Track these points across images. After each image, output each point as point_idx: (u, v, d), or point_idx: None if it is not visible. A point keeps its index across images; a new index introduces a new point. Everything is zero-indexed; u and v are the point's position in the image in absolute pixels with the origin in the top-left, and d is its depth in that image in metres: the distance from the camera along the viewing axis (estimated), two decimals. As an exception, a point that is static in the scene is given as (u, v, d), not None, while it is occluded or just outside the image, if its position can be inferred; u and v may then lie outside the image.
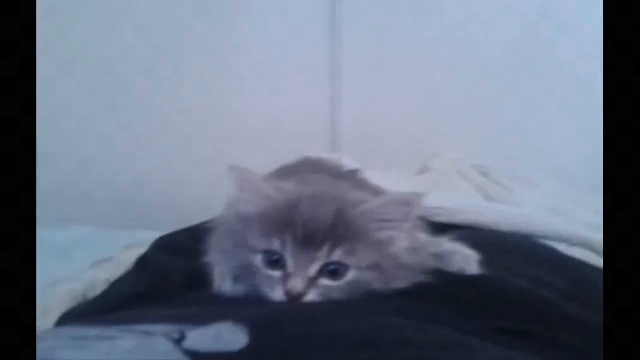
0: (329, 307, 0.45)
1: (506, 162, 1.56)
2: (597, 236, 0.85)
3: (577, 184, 1.34)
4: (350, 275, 0.50)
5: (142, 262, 0.70)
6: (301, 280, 0.48)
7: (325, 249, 0.49)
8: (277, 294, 0.49)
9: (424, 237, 0.60)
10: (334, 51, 1.51)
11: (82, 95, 1.53)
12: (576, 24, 1.50)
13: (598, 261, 0.76)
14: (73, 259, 1.04)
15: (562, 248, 0.79)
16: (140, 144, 1.55)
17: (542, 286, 0.54)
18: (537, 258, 0.68)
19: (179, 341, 0.37)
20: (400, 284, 0.51)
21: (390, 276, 0.51)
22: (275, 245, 0.50)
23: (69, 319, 0.59)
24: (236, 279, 0.54)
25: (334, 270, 0.49)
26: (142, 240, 0.95)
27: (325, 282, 0.49)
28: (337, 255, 0.49)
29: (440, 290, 0.51)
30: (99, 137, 1.55)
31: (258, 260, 0.51)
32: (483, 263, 0.57)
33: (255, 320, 0.40)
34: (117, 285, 0.67)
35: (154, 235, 0.81)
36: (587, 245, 0.84)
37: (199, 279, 0.57)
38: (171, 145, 1.55)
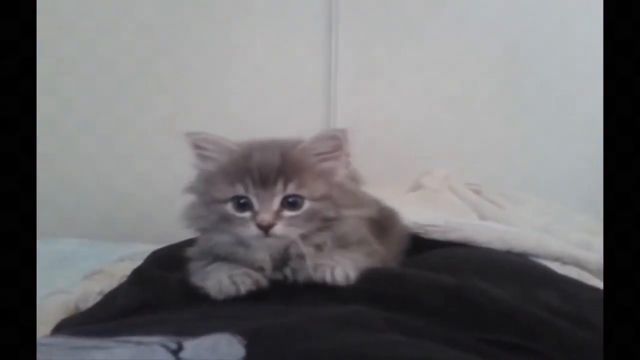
0: (324, 321, 0.46)
1: (503, 165, 1.58)
2: (589, 254, 0.86)
3: (562, 201, 1.34)
4: (306, 205, 0.59)
5: (137, 275, 0.70)
6: (268, 214, 0.57)
7: (280, 184, 0.58)
8: (251, 230, 0.57)
9: None
10: (331, 52, 1.51)
11: (82, 95, 1.53)
12: (576, 24, 1.51)
13: (590, 279, 0.77)
14: (65, 270, 1.04)
15: (555, 266, 0.80)
16: (140, 144, 1.55)
17: (535, 303, 0.55)
18: (530, 276, 0.69)
19: (176, 351, 0.37)
20: (350, 212, 0.61)
21: (339, 205, 0.60)
22: (240, 190, 0.58)
23: (63, 329, 0.59)
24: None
25: (292, 202, 0.58)
26: (134, 253, 0.95)
27: (287, 213, 0.58)
28: (291, 189, 0.58)
29: (432, 303, 0.53)
30: (99, 137, 1.55)
31: (229, 207, 0.59)
32: (481, 279, 0.60)
33: (252, 332, 0.41)
34: (111, 297, 0.67)
35: (146, 248, 0.81)
36: (579, 264, 0.85)
37: (195, 292, 0.58)
38: (171, 146, 1.55)
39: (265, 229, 0.56)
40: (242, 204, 0.58)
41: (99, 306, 0.66)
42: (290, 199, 0.58)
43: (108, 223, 1.56)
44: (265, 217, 0.56)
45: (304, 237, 0.59)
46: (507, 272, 0.68)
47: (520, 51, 1.53)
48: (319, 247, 0.60)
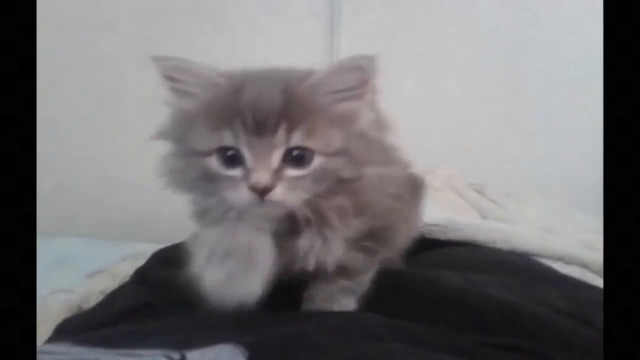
0: (326, 331, 0.45)
1: (503, 165, 1.57)
2: (592, 254, 0.86)
3: (563, 200, 1.34)
4: (317, 161, 0.44)
5: (140, 275, 0.69)
6: (265, 172, 0.43)
7: (282, 132, 0.43)
8: (242, 195, 0.43)
9: None
10: (332, 52, 1.51)
11: (82, 96, 1.53)
12: (576, 24, 1.51)
13: (593, 279, 0.77)
14: (68, 270, 1.04)
15: (558, 266, 0.80)
16: (141, 144, 1.55)
17: (537, 302, 0.55)
18: (533, 276, 0.69)
19: None
20: (374, 170, 0.47)
21: (361, 161, 0.46)
22: (227, 139, 0.44)
23: (65, 330, 0.59)
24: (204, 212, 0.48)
25: (298, 157, 0.44)
26: (137, 253, 0.95)
27: (290, 172, 0.44)
28: (297, 139, 0.43)
29: (434, 307, 0.52)
30: (99, 137, 1.55)
31: (213, 162, 0.45)
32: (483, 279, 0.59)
33: (255, 344, 0.40)
34: (114, 297, 0.67)
35: (149, 248, 0.81)
36: (582, 264, 0.85)
37: (198, 293, 0.57)
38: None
39: (261, 192, 0.43)
40: (231, 158, 0.44)
41: (101, 306, 0.65)
42: (295, 153, 0.44)
43: (108, 222, 1.56)
44: (262, 177, 0.42)
45: (310, 203, 0.45)
46: (509, 272, 0.68)
47: (520, 51, 1.53)
48: (334, 215, 0.46)
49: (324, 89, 0.45)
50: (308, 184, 0.44)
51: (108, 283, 0.80)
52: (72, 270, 1.01)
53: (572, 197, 1.49)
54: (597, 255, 0.86)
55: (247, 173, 0.44)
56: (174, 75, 0.47)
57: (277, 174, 0.44)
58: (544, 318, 0.50)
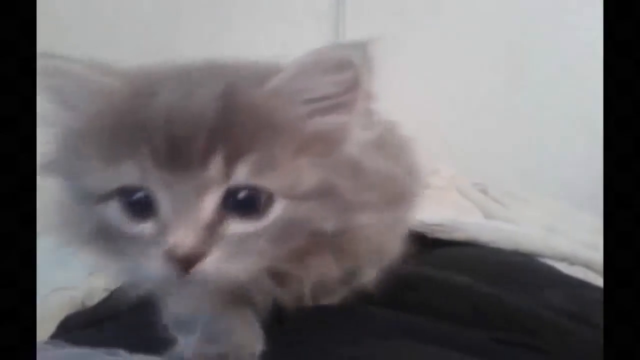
0: (330, 328, 0.44)
1: (503, 164, 1.57)
2: (596, 255, 0.86)
3: (566, 201, 1.34)
4: (278, 208, 0.28)
5: None
6: (190, 230, 0.27)
7: (217, 163, 0.27)
8: (155, 264, 0.28)
9: None
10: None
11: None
12: (576, 24, 1.50)
13: (597, 279, 0.77)
14: (71, 266, 1.04)
15: (562, 266, 0.80)
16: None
17: (540, 303, 0.55)
18: (536, 276, 0.68)
19: None
20: (368, 217, 0.31)
21: (350, 203, 0.30)
22: (129, 174, 0.28)
23: (68, 326, 0.59)
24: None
25: (246, 202, 0.27)
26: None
27: (234, 226, 0.28)
28: (243, 173, 0.27)
29: (442, 304, 0.52)
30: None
31: (112, 210, 0.30)
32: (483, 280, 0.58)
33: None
34: (117, 294, 0.67)
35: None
36: (586, 264, 0.85)
37: None
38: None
39: (185, 262, 0.27)
40: (137, 204, 0.29)
41: (104, 303, 0.65)
42: (241, 195, 0.28)
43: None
44: (184, 239, 0.27)
45: (270, 271, 0.30)
46: (512, 272, 0.68)
47: (520, 50, 1.53)
48: (312, 283, 0.33)
49: (291, 97, 0.31)
50: (264, 244, 0.28)
51: (111, 280, 0.80)
52: (71, 268, 1.01)
53: (572, 197, 1.49)
54: (600, 256, 0.86)
55: (162, 230, 0.28)
56: (51, 80, 0.34)
57: (211, 230, 0.28)
58: (546, 319, 0.50)
